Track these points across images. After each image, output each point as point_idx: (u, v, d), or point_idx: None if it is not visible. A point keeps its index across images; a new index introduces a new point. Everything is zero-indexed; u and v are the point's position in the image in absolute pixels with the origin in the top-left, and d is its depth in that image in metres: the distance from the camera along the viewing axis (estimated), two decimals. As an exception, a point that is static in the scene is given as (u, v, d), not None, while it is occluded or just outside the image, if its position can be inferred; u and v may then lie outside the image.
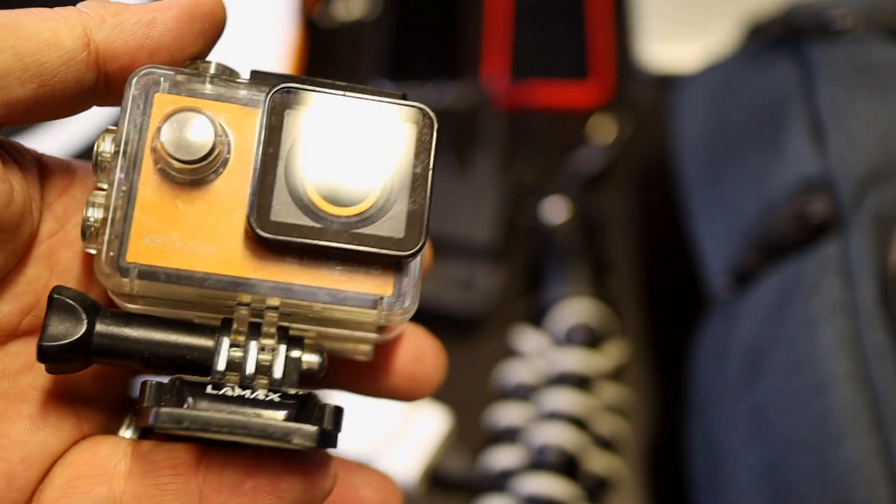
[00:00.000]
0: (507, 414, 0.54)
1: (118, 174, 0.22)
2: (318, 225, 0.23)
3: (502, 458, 0.52)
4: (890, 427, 0.36)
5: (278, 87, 0.23)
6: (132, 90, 0.23)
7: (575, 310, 0.56)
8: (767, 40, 0.51)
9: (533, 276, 0.62)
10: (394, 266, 0.23)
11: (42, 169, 0.24)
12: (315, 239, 0.22)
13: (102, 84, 0.23)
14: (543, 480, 0.50)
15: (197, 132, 0.22)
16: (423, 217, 0.23)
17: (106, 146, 0.23)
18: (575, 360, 0.53)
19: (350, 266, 0.23)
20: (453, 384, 0.59)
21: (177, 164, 0.22)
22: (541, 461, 0.51)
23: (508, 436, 0.54)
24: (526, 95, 0.71)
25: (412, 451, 0.54)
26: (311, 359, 0.24)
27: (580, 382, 0.53)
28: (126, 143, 0.23)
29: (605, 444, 0.53)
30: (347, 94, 0.23)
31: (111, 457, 0.23)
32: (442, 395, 0.57)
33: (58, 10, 0.22)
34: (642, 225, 0.65)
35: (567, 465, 0.50)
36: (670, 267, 0.61)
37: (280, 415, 0.22)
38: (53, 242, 0.24)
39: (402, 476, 0.53)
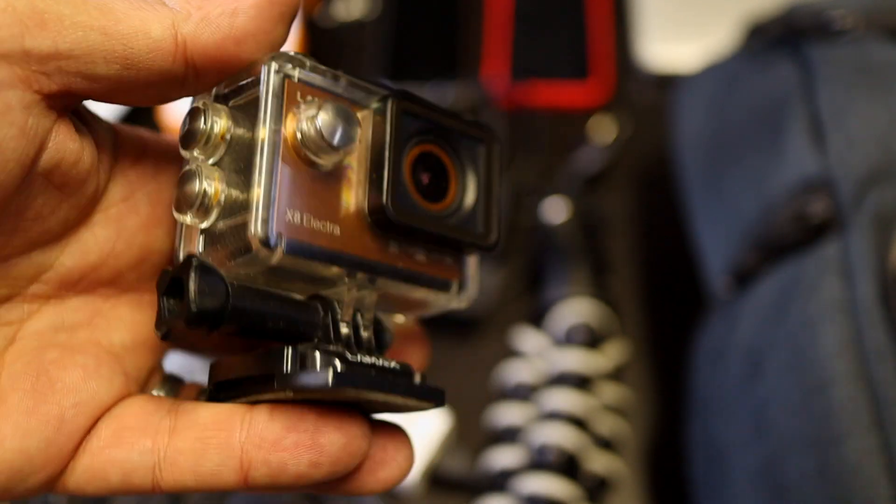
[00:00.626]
0: (507, 414, 0.54)
1: (260, 149, 0.23)
2: (425, 214, 0.26)
3: (502, 458, 0.52)
4: (890, 427, 0.36)
5: (400, 93, 0.26)
6: (271, 76, 0.24)
7: (575, 310, 0.56)
8: (767, 40, 0.51)
9: (533, 276, 0.62)
10: (460, 258, 0.28)
11: (117, 137, 0.26)
12: (428, 227, 0.26)
13: (192, 75, 0.24)
14: (543, 480, 0.50)
15: (348, 122, 0.24)
16: (494, 219, 0.27)
17: (211, 124, 0.24)
18: (575, 360, 0.53)
19: (434, 254, 0.27)
20: (453, 384, 0.59)
21: (327, 149, 0.24)
22: (541, 461, 0.51)
23: (508, 436, 0.54)
24: (526, 95, 0.71)
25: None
26: (388, 338, 0.28)
27: (580, 382, 0.53)
28: (266, 122, 0.24)
29: (605, 444, 0.53)
30: (443, 117, 0.27)
31: (156, 412, 0.24)
32: (442, 395, 0.57)
33: (148, 0, 0.23)
34: (642, 225, 0.65)
35: (567, 465, 0.51)
36: (670, 267, 0.61)
37: (412, 378, 0.26)
38: (124, 208, 0.25)
39: (402, 476, 0.53)
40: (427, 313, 0.29)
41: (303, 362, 0.23)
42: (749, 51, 0.52)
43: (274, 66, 0.24)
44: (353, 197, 0.25)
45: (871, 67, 0.45)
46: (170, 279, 0.24)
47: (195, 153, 0.24)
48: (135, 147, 0.26)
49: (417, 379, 0.26)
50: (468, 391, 0.58)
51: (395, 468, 0.26)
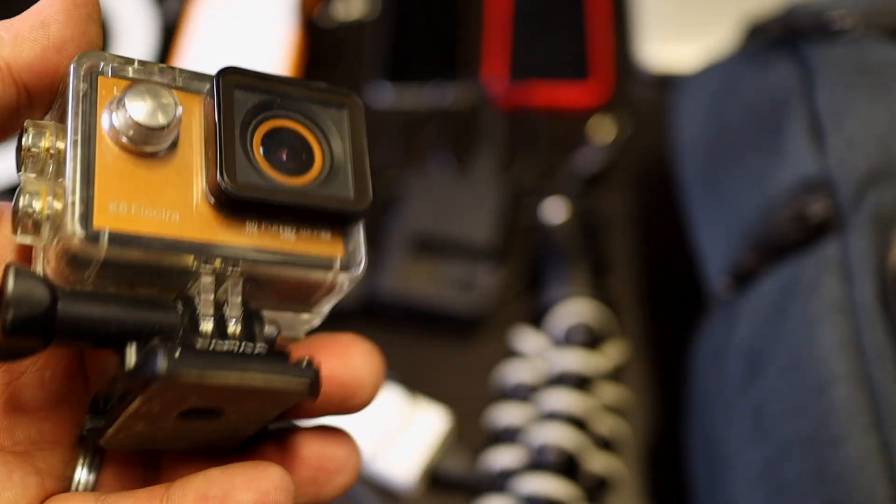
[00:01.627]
0: (507, 414, 0.54)
1: (71, 148, 0.22)
2: (279, 188, 0.24)
3: (502, 458, 0.52)
4: (889, 427, 0.36)
5: (228, 69, 0.25)
6: (76, 75, 0.23)
7: (575, 310, 0.56)
8: (767, 40, 0.51)
9: (533, 277, 0.62)
10: (342, 231, 0.25)
11: None
12: (278, 198, 0.24)
13: (26, 98, 0.24)
14: (543, 480, 0.50)
15: (162, 99, 0.23)
16: (367, 181, 0.25)
17: (33, 139, 0.23)
18: (575, 360, 0.53)
19: (304, 231, 0.25)
20: (453, 384, 0.60)
21: (143, 131, 0.23)
22: (540, 461, 0.51)
23: (508, 436, 0.54)
24: (526, 96, 0.71)
25: (412, 451, 0.54)
26: (270, 330, 0.25)
27: (580, 382, 0.53)
28: (78, 117, 0.23)
29: (604, 444, 0.53)
30: (286, 79, 0.26)
31: None
32: (442, 395, 0.57)
33: None
34: (642, 225, 0.65)
35: (567, 466, 0.50)
36: (670, 267, 0.61)
37: (278, 359, 0.23)
38: None
39: (402, 476, 0.53)
40: (324, 300, 0.26)
41: (146, 357, 0.22)
42: (749, 51, 0.52)
43: (83, 63, 0.23)
44: (198, 182, 0.24)
45: (871, 67, 0.45)
46: None
47: (29, 174, 0.23)
48: None
49: (310, 368, 0.23)
50: (468, 391, 0.58)
51: (349, 472, 0.26)
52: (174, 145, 0.24)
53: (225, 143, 0.24)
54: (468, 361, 0.60)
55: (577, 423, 0.52)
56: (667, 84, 0.69)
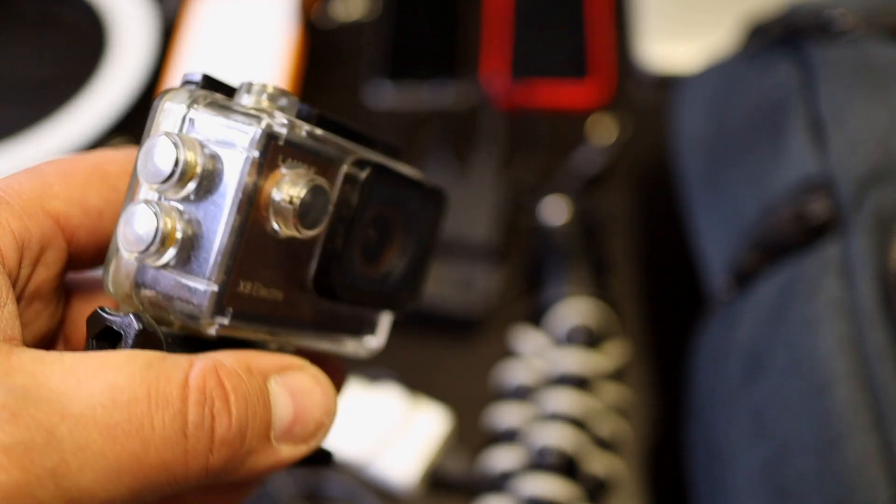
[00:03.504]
0: (507, 414, 0.54)
1: (229, 209, 0.22)
2: (368, 278, 0.26)
3: (502, 458, 0.52)
4: (890, 428, 0.36)
5: (373, 168, 0.25)
6: (255, 138, 0.22)
7: (575, 310, 0.56)
8: (767, 40, 0.51)
9: (533, 277, 0.62)
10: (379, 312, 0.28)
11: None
12: (367, 292, 0.26)
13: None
14: (543, 481, 0.50)
15: (322, 204, 0.23)
16: (423, 279, 0.28)
17: (197, 157, 0.22)
18: (575, 360, 0.53)
19: (357, 309, 0.27)
20: (453, 384, 0.60)
21: (293, 227, 0.23)
22: (541, 462, 0.51)
23: (508, 436, 0.54)
24: (526, 95, 0.71)
25: (412, 452, 0.54)
26: None
27: (580, 383, 0.53)
28: (244, 183, 0.22)
29: (604, 444, 0.53)
30: (409, 186, 0.27)
31: None
32: (442, 395, 0.57)
33: None
34: (642, 225, 0.65)
35: (567, 466, 0.50)
36: (670, 267, 0.61)
37: None
38: None
39: (402, 476, 0.53)
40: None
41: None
42: (749, 51, 0.52)
43: (263, 124, 0.22)
44: (310, 264, 0.24)
45: (872, 67, 0.45)
46: (103, 328, 0.22)
47: (181, 186, 0.22)
48: None
49: None
50: (468, 391, 0.58)
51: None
52: None
53: (346, 245, 0.24)
54: (468, 361, 0.60)
55: (578, 423, 0.52)
56: (667, 84, 0.69)
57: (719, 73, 0.54)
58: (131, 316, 0.22)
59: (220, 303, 0.22)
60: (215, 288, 0.22)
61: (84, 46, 0.79)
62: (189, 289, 0.22)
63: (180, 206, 0.22)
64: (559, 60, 0.74)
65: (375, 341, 0.28)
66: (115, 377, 0.20)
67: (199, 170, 0.22)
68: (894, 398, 0.36)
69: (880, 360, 0.37)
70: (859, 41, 0.46)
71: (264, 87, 0.23)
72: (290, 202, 0.22)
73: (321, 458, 0.25)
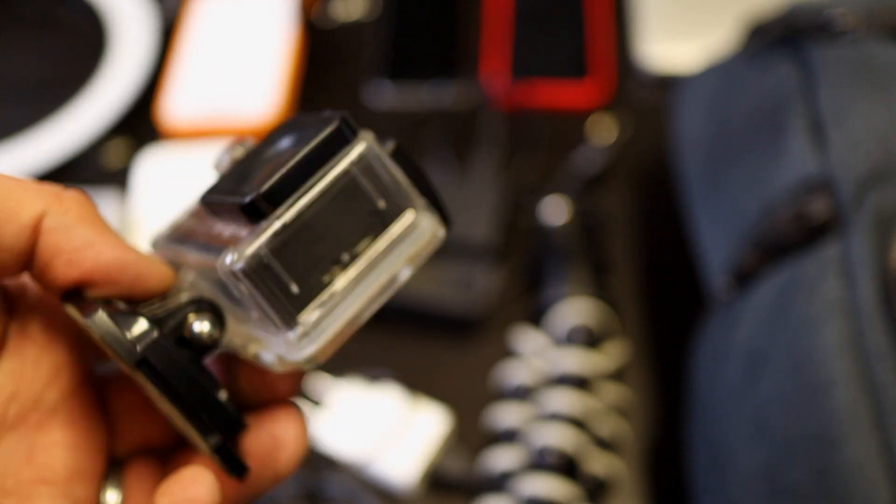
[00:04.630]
0: (507, 414, 0.54)
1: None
2: None
3: (502, 458, 0.52)
4: (891, 428, 0.36)
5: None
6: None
7: (575, 310, 0.56)
8: (768, 40, 0.51)
9: (533, 277, 0.62)
10: None
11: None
12: None
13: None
14: (543, 481, 0.50)
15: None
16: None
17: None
18: (575, 360, 0.53)
19: None
20: (453, 384, 0.60)
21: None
22: (540, 462, 0.51)
23: (508, 436, 0.54)
24: (526, 95, 0.71)
25: (412, 452, 0.54)
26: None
27: (580, 383, 0.53)
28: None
29: (604, 444, 0.53)
30: None
31: None
32: (442, 395, 0.57)
33: None
34: (642, 225, 0.65)
35: (567, 466, 0.50)
36: (670, 267, 0.61)
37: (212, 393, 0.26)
38: (19, 341, 0.26)
39: (402, 476, 0.53)
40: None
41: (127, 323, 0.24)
42: (749, 51, 0.52)
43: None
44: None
45: (872, 67, 0.44)
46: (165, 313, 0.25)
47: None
48: (17, 290, 0.27)
49: (230, 408, 0.25)
50: (468, 391, 0.58)
51: (294, 447, 0.27)
52: None
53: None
54: (468, 361, 0.60)
55: (578, 423, 0.52)
56: (667, 84, 0.69)
57: (719, 73, 0.54)
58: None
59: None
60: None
61: (84, 47, 0.79)
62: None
63: None
64: (559, 60, 0.74)
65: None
66: None
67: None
68: (894, 398, 0.36)
69: (880, 360, 0.37)
70: (859, 41, 0.46)
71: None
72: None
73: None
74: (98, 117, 0.73)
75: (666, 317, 0.60)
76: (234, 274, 0.23)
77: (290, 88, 0.74)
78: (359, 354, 0.59)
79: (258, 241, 0.23)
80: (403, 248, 0.25)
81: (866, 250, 0.39)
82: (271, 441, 0.26)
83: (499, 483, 0.52)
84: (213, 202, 0.25)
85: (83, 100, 0.74)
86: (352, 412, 0.55)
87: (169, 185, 0.67)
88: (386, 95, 0.74)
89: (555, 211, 0.61)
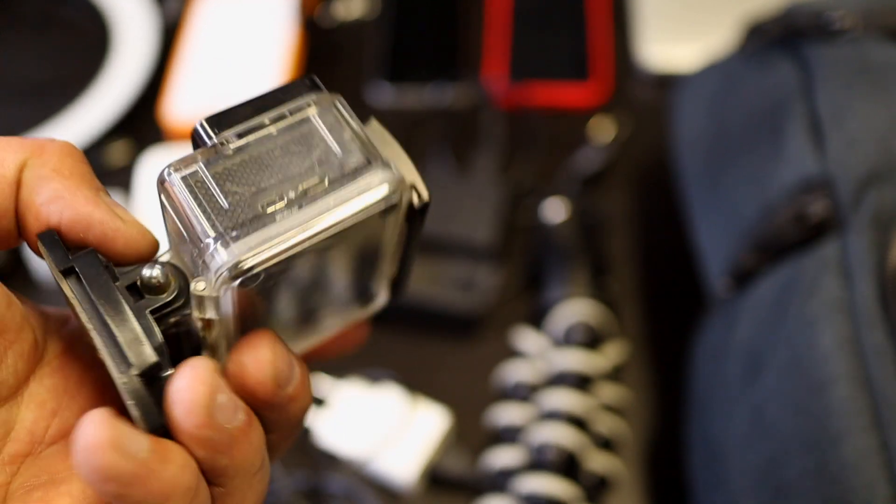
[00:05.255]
0: (507, 414, 0.54)
1: None
2: None
3: (502, 457, 0.53)
4: (889, 427, 0.36)
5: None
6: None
7: (574, 311, 0.56)
8: (767, 40, 0.51)
9: (533, 277, 0.62)
10: None
11: (40, 311, 0.26)
12: None
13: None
14: (543, 480, 0.50)
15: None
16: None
17: None
18: (574, 360, 0.53)
19: None
20: (453, 384, 0.60)
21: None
22: (540, 461, 0.51)
23: (508, 436, 0.54)
24: (525, 96, 0.71)
25: (412, 451, 0.54)
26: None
27: (580, 382, 0.53)
28: None
29: (604, 443, 0.54)
30: None
31: None
32: (442, 395, 0.57)
33: None
34: (642, 225, 0.65)
35: (566, 465, 0.51)
36: (670, 267, 0.61)
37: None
38: (63, 359, 0.26)
39: (402, 475, 0.53)
40: None
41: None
42: (748, 51, 0.52)
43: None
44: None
45: (871, 67, 0.45)
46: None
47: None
48: (61, 316, 0.27)
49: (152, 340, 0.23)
50: (468, 391, 0.58)
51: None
52: None
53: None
54: (468, 361, 0.60)
55: (577, 422, 0.52)
56: (667, 84, 0.69)
57: (718, 73, 0.54)
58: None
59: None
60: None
61: (86, 47, 0.79)
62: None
63: None
64: (559, 61, 0.74)
65: None
66: None
67: None
68: (893, 397, 0.36)
69: (879, 358, 0.37)
70: (858, 41, 0.46)
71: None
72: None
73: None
74: (100, 118, 0.73)
75: (665, 316, 0.60)
76: (164, 184, 0.23)
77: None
78: (359, 354, 0.59)
79: (197, 155, 0.23)
80: (357, 198, 0.24)
81: (865, 250, 0.40)
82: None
83: (499, 482, 0.52)
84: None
85: (85, 100, 0.74)
86: (352, 411, 0.55)
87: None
88: (386, 95, 0.74)
89: (555, 211, 0.61)
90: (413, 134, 0.71)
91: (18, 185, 0.24)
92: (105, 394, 0.26)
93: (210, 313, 0.24)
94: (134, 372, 0.22)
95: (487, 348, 0.60)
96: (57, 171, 0.24)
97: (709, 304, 0.50)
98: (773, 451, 0.40)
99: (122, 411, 0.22)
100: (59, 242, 0.23)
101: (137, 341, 0.23)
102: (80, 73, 0.76)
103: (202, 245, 0.23)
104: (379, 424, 0.54)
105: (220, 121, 0.24)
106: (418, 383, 0.57)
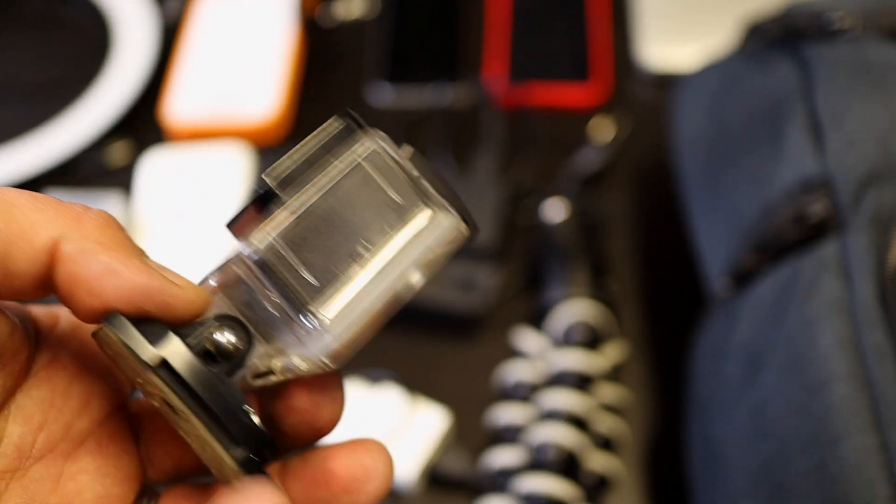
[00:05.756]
0: (507, 414, 0.54)
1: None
2: None
3: (502, 457, 0.53)
4: (889, 426, 0.36)
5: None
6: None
7: (575, 311, 0.56)
8: (766, 40, 0.51)
9: (533, 277, 0.62)
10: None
11: (32, 318, 0.26)
12: None
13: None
14: (543, 480, 0.50)
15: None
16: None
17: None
18: (574, 360, 0.53)
19: None
20: (453, 384, 0.60)
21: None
22: (540, 461, 0.51)
23: (508, 435, 0.54)
24: (525, 96, 0.72)
25: (412, 451, 0.54)
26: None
27: (580, 383, 0.53)
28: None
29: (604, 443, 0.54)
30: None
31: None
32: (442, 395, 0.57)
33: None
34: (642, 225, 0.65)
35: (566, 465, 0.51)
36: (670, 267, 0.61)
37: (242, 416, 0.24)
38: (51, 369, 0.26)
39: (402, 475, 0.53)
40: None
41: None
42: (748, 51, 0.52)
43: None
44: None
45: (870, 67, 0.45)
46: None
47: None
48: (50, 319, 0.27)
49: (256, 422, 0.24)
50: (468, 391, 0.58)
51: (379, 479, 0.26)
52: None
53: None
54: (468, 361, 0.60)
55: (577, 422, 0.52)
56: (667, 84, 0.69)
57: (718, 73, 0.54)
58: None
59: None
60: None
61: (87, 47, 0.79)
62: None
63: None
64: (559, 61, 0.74)
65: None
66: None
67: None
68: (893, 397, 0.36)
69: (879, 358, 0.37)
70: (858, 41, 0.46)
71: None
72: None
73: None
74: (101, 118, 0.73)
75: (665, 316, 0.61)
76: (247, 264, 0.23)
77: (291, 88, 0.74)
78: (359, 354, 0.59)
79: (268, 227, 0.23)
80: (423, 243, 0.24)
81: (865, 250, 0.40)
82: (361, 471, 0.26)
83: (498, 481, 0.52)
84: (234, 214, 0.24)
85: (86, 100, 0.74)
86: (353, 411, 0.55)
87: (172, 185, 0.67)
88: (386, 95, 0.74)
89: (555, 211, 0.61)
90: (413, 134, 0.71)
91: (54, 256, 0.23)
92: (89, 405, 0.26)
93: (291, 375, 0.24)
94: (242, 454, 0.23)
95: (487, 348, 0.60)
96: (100, 243, 0.23)
97: (709, 304, 0.50)
98: (773, 451, 0.40)
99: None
100: (129, 324, 0.23)
101: (251, 426, 0.23)
102: (80, 73, 0.77)
103: (294, 323, 0.23)
104: (379, 424, 0.54)
105: (280, 180, 0.24)
106: (418, 383, 0.57)
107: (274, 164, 0.24)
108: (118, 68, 0.76)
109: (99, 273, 0.23)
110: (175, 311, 0.24)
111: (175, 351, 0.23)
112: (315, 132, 0.24)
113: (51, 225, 0.23)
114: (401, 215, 0.25)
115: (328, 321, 0.23)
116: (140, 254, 0.24)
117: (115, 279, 0.23)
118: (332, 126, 0.24)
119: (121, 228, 0.24)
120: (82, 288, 0.23)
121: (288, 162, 0.24)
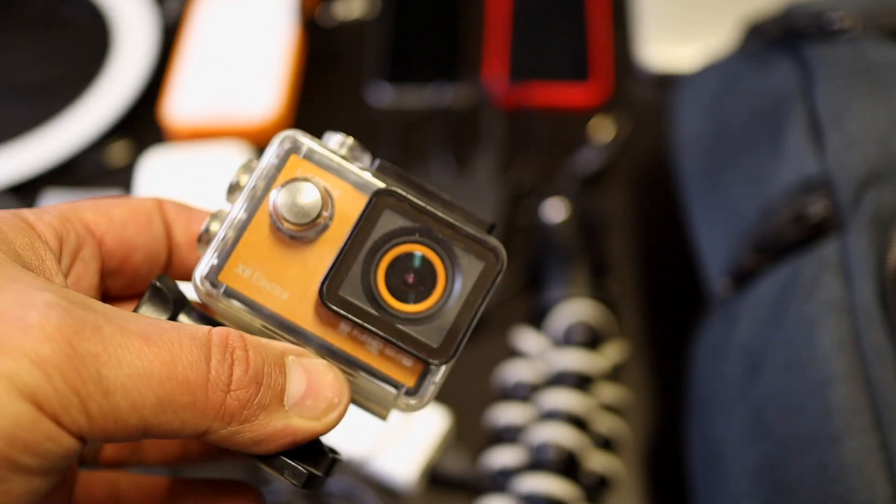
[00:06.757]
0: (507, 414, 0.54)
1: (239, 206, 0.26)
2: (372, 311, 0.26)
3: (502, 457, 0.53)
4: (888, 426, 0.36)
5: (386, 190, 0.26)
6: (276, 148, 0.27)
7: (574, 311, 0.56)
8: (766, 40, 0.51)
9: (533, 277, 0.62)
10: (423, 365, 0.27)
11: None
12: (364, 321, 0.26)
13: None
14: (543, 480, 0.50)
15: (306, 199, 0.26)
16: (460, 337, 0.27)
17: (241, 178, 0.27)
18: (574, 360, 0.53)
19: (389, 350, 0.27)
20: (453, 384, 0.60)
21: (284, 223, 0.26)
22: (540, 461, 0.51)
23: (508, 435, 0.54)
24: (525, 96, 0.72)
25: (412, 450, 0.54)
26: None
27: (580, 383, 0.53)
28: (254, 186, 0.26)
29: (604, 443, 0.54)
30: (441, 214, 0.27)
31: None
32: (442, 395, 0.57)
33: None
34: (642, 225, 0.65)
35: (566, 465, 0.51)
36: (670, 267, 0.62)
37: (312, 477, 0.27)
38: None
39: (402, 475, 0.53)
40: (372, 408, 0.30)
41: None
42: (748, 51, 0.52)
43: (279, 140, 0.27)
44: (320, 275, 0.26)
45: (870, 67, 0.45)
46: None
47: (229, 198, 0.27)
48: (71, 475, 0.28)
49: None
50: (468, 391, 0.58)
51: None
52: (322, 232, 0.27)
53: (346, 256, 0.26)
54: (468, 361, 0.60)
55: (577, 422, 0.52)
56: (667, 84, 0.69)
57: (718, 73, 0.54)
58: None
59: (215, 275, 0.26)
60: (215, 262, 0.26)
61: (87, 47, 0.79)
62: (206, 262, 0.26)
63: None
64: (559, 61, 0.74)
65: (414, 401, 0.27)
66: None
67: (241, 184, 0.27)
68: (892, 396, 0.36)
69: (878, 358, 0.37)
70: (858, 41, 0.46)
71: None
72: (277, 195, 0.26)
73: (321, 466, 0.27)
74: (101, 118, 0.73)
75: (665, 316, 0.61)
76: (406, 407, 0.27)
77: (291, 88, 0.74)
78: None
79: (431, 391, 0.27)
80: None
81: (864, 250, 0.40)
82: None
83: (498, 481, 0.52)
84: (391, 341, 0.27)
85: (86, 100, 0.74)
86: (352, 411, 0.55)
87: (172, 185, 0.67)
88: (386, 95, 0.74)
89: (555, 211, 0.61)
90: (413, 134, 0.71)
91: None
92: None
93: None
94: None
95: (487, 348, 0.60)
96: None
97: (709, 304, 0.50)
98: (772, 450, 0.40)
99: None
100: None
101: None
102: (80, 73, 0.77)
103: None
104: (379, 424, 0.54)
105: (452, 356, 0.28)
106: (418, 383, 0.57)
107: (442, 338, 0.27)
108: (118, 68, 0.76)
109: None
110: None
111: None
112: (481, 295, 0.28)
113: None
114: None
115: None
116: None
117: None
118: (491, 273, 0.28)
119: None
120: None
121: (458, 345, 0.28)
